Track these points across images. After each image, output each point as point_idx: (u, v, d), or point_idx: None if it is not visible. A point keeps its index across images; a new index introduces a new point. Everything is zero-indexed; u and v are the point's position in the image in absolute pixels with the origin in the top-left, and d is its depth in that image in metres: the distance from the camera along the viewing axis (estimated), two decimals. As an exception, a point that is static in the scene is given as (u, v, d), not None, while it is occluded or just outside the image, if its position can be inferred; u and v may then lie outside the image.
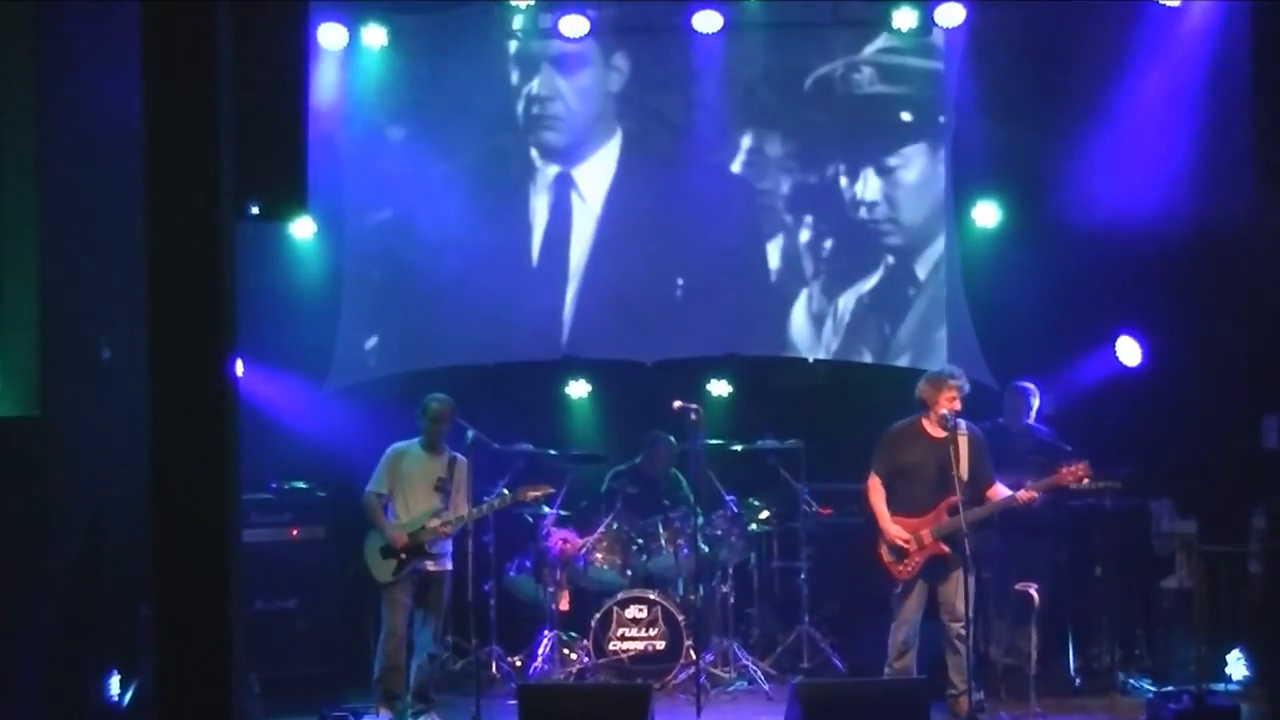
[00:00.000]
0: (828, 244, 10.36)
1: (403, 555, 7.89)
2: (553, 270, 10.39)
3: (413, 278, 10.12)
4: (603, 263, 10.38)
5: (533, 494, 8.22)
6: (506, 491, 8.22)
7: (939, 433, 7.67)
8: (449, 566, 8.06)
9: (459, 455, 8.11)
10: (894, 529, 7.68)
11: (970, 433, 7.69)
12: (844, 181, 10.31)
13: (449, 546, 8.06)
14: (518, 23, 10.05)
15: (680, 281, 10.39)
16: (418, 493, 8.03)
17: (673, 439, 9.24)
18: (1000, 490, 7.68)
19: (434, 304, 10.04)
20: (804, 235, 10.34)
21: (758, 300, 10.40)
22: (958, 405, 7.65)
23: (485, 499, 8.19)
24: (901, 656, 7.69)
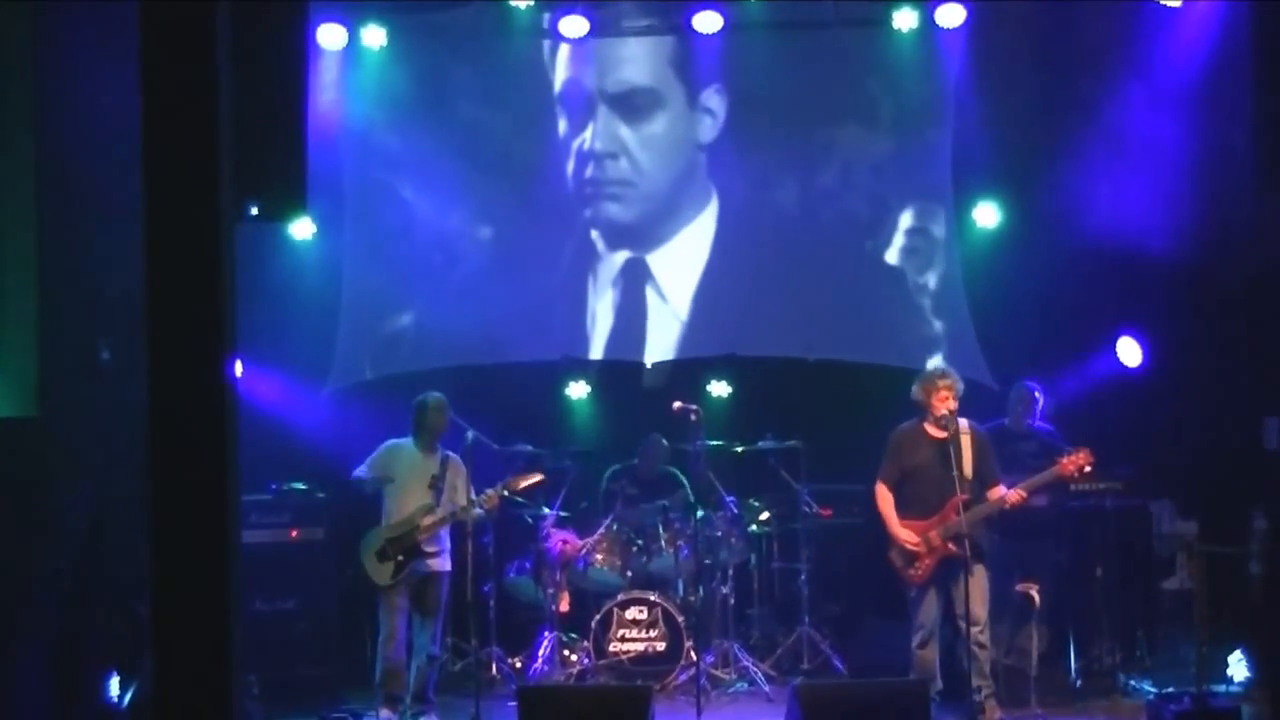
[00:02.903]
0: None
1: (400, 557, 7.87)
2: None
3: (416, 288, 9.81)
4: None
5: (524, 483, 8.15)
6: (490, 491, 8.01)
7: (940, 433, 7.67)
8: (447, 567, 8.05)
9: (451, 454, 8.11)
10: (903, 533, 7.67)
11: (973, 431, 7.69)
12: None
13: (446, 543, 8.05)
14: (522, 21, 9.18)
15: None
16: (412, 490, 8.02)
17: (665, 441, 9.21)
18: (1000, 490, 7.67)
19: (436, 305, 9.89)
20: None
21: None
22: (953, 404, 7.64)
23: (483, 493, 8.14)
24: (923, 646, 7.70)
